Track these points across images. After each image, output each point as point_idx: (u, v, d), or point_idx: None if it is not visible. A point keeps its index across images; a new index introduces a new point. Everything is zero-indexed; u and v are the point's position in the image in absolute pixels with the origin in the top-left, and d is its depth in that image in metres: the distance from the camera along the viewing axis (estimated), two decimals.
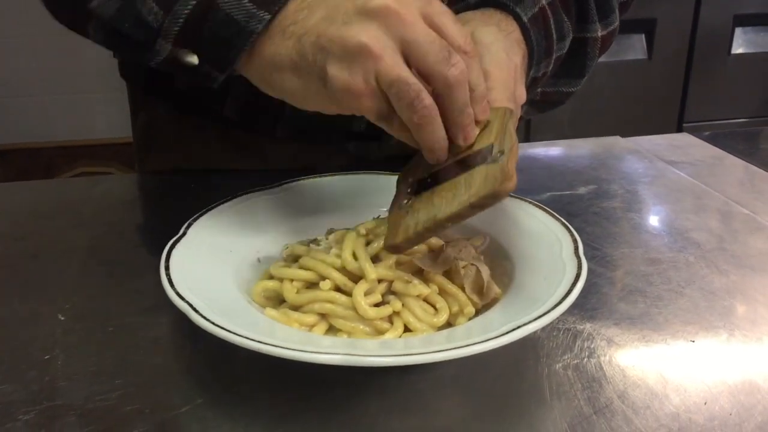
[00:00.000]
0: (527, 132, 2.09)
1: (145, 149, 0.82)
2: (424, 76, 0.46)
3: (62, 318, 0.55)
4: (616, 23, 0.72)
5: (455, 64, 0.46)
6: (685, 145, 0.94)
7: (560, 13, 0.65)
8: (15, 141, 2.26)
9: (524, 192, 0.62)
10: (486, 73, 0.52)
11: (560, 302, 0.45)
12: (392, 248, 0.50)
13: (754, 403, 0.45)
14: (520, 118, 0.79)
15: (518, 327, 0.43)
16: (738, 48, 2.29)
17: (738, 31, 2.27)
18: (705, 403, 0.46)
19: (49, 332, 0.53)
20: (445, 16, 0.47)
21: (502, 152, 0.48)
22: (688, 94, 2.30)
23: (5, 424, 0.44)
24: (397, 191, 0.54)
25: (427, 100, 0.46)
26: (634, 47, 2.23)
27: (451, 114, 0.48)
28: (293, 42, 0.48)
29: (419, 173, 0.52)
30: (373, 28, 0.45)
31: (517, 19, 0.60)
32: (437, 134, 0.48)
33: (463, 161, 0.49)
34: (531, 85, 0.63)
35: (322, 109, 0.50)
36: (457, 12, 0.55)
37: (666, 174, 0.83)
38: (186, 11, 0.51)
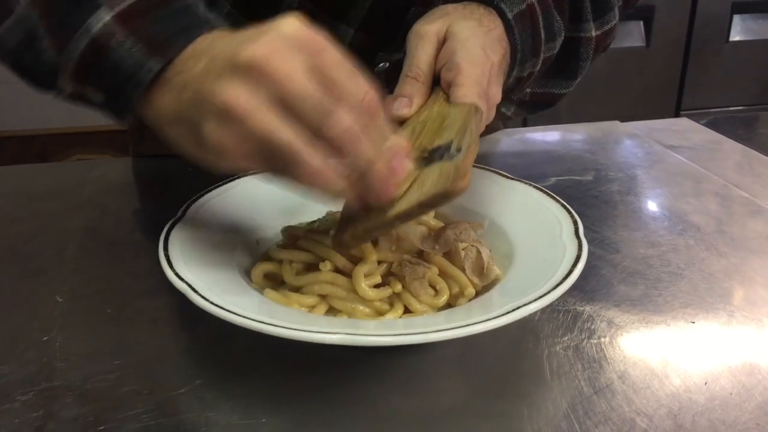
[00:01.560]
0: (525, 118, 2.09)
1: (138, 134, 0.81)
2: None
3: (60, 300, 0.55)
4: (614, 22, 0.69)
5: (338, 121, 0.40)
6: (683, 129, 0.94)
7: (551, 11, 0.62)
8: (7, 128, 2.25)
9: (522, 176, 0.62)
10: (458, 68, 0.51)
11: (561, 282, 0.45)
12: (338, 243, 0.48)
13: (754, 384, 0.45)
14: (508, 119, 0.78)
15: (519, 307, 0.43)
16: (736, 35, 2.29)
17: (736, 18, 2.27)
18: (705, 383, 0.46)
19: (47, 313, 0.53)
20: (337, 69, 0.41)
21: (459, 149, 0.45)
22: (686, 82, 2.30)
23: (3, 404, 0.44)
24: None
25: (312, 160, 0.40)
26: (632, 34, 2.23)
27: (350, 173, 0.42)
28: (175, 95, 0.44)
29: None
30: (240, 85, 0.40)
31: (502, 15, 0.57)
32: (333, 188, 0.42)
33: (421, 157, 0.47)
34: (516, 85, 0.61)
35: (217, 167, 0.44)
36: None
37: (665, 158, 0.83)
38: (78, 51, 0.46)
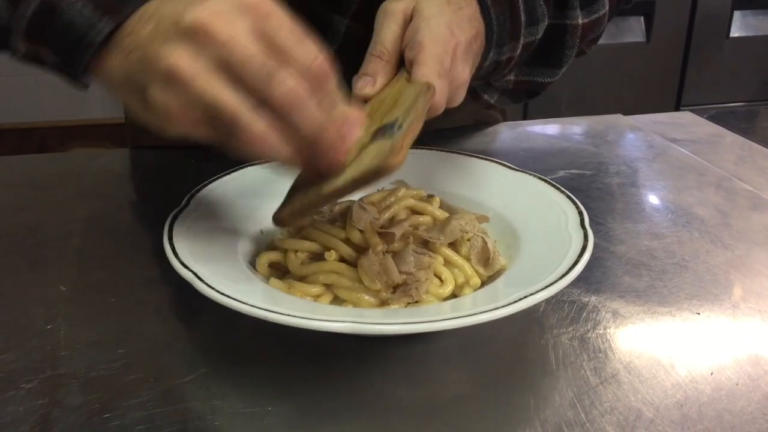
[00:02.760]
0: (525, 113, 2.08)
1: (137, 125, 0.81)
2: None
3: (64, 288, 0.54)
4: (603, 11, 0.67)
5: (281, 82, 0.39)
6: (686, 123, 0.93)
7: None
8: (7, 120, 2.24)
9: (526, 166, 0.62)
10: (419, 46, 0.50)
11: (567, 272, 0.45)
12: (277, 220, 0.48)
13: (760, 374, 0.45)
14: (492, 106, 0.77)
15: (525, 297, 0.43)
16: (736, 31, 2.29)
17: (737, 14, 2.27)
18: (711, 374, 0.46)
19: (51, 302, 0.53)
20: (284, 34, 0.41)
21: (400, 127, 0.45)
22: (686, 78, 2.30)
23: (8, 392, 0.44)
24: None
25: (255, 124, 0.40)
26: (633, 30, 2.23)
27: (296, 140, 0.41)
28: (123, 57, 0.43)
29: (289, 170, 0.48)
30: (184, 49, 0.39)
31: None
32: (278, 155, 0.42)
33: (370, 136, 0.46)
34: (495, 68, 0.60)
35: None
36: None
37: (668, 151, 0.83)
38: (30, 10, 0.45)
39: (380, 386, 0.45)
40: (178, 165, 0.76)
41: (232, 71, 0.40)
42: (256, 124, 0.40)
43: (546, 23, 0.63)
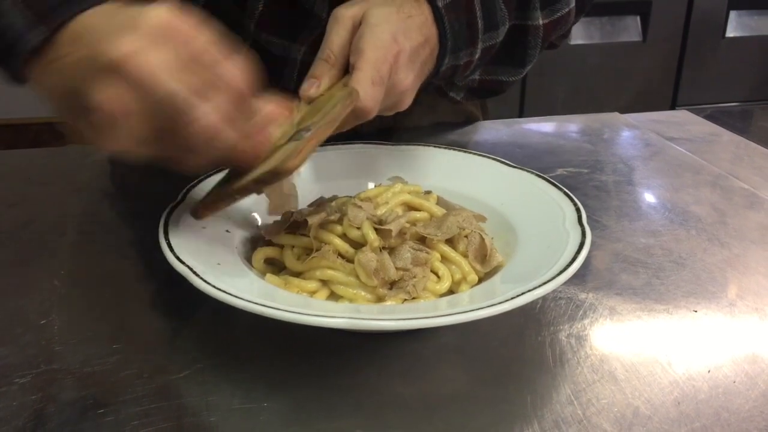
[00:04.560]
0: (521, 111, 2.08)
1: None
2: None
3: (57, 284, 0.54)
4: (566, 9, 0.68)
5: (194, 120, 0.41)
6: (682, 121, 0.93)
7: (494, 1, 0.62)
8: (1, 116, 2.23)
9: (524, 164, 0.61)
10: (360, 52, 0.51)
11: (565, 269, 0.45)
12: (193, 211, 0.50)
13: (758, 372, 0.45)
14: (457, 102, 0.78)
15: (522, 293, 0.43)
16: (732, 31, 2.29)
17: (732, 14, 2.27)
18: (708, 371, 0.46)
19: (45, 297, 0.52)
20: (205, 57, 0.42)
21: (308, 130, 0.46)
22: (682, 77, 2.30)
23: (1, 387, 0.43)
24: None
25: (191, 162, 0.44)
26: (629, 29, 2.23)
27: (217, 159, 0.45)
28: (53, 81, 0.43)
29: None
30: (108, 88, 0.40)
31: (432, 2, 0.57)
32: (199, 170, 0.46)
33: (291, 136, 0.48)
34: (454, 72, 0.61)
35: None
36: None
37: (664, 149, 0.83)
38: None
39: (376, 382, 0.44)
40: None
41: (156, 107, 0.41)
42: (187, 159, 0.44)
43: (507, 26, 0.64)
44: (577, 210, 0.53)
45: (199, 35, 0.42)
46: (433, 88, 0.60)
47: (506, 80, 0.70)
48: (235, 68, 0.43)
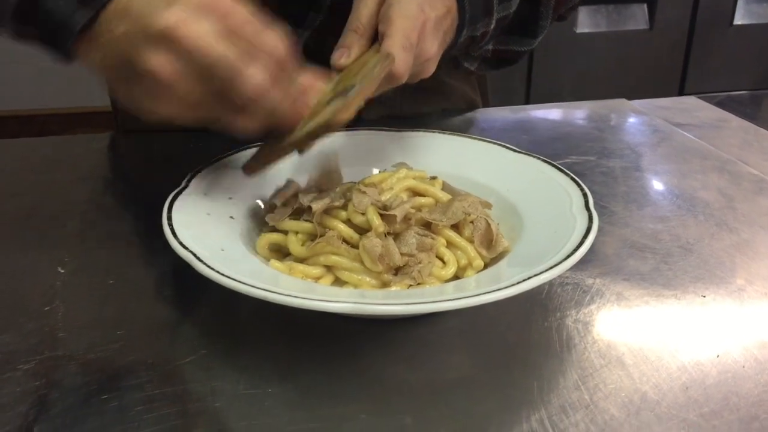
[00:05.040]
0: (527, 98, 2.07)
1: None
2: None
3: (62, 270, 0.54)
4: None
5: (247, 79, 0.44)
6: (690, 107, 0.93)
7: None
8: (7, 107, 2.23)
9: (530, 149, 0.61)
10: (389, 21, 0.53)
11: (572, 253, 0.45)
12: (245, 168, 0.54)
13: (767, 357, 0.45)
14: (472, 73, 0.79)
15: (528, 278, 0.42)
16: (740, 19, 2.27)
17: (740, 1, 2.25)
18: (717, 356, 0.45)
19: (49, 284, 0.52)
20: (247, 28, 0.45)
21: (353, 87, 0.48)
22: (690, 65, 2.29)
23: (5, 372, 0.43)
24: None
25: (241, 125, 0.47)
26: (636, 17, 2.21)
27: (260, 118, 0.47)
28: (102, 55, 0.46)
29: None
30: (158, 55, 0.43)
31: None
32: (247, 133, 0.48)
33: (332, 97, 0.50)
34: (471, 42, 0.64)
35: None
36: None
37: (673, 135, 0.82)
38: None
39: (382, 367, 0.44)
40: (178, 148, 0.76)
41: (204, 72, 0.44)
42: (237, 121, 0.46)
43: None
44: (584, 195, 0.52)
45: (239, 8, 0.45)
46: (448, 58, 0.62)
47: (519, 50, 0.73)
48: (275, 38, 0.46)
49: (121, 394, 0.41)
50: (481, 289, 0.42)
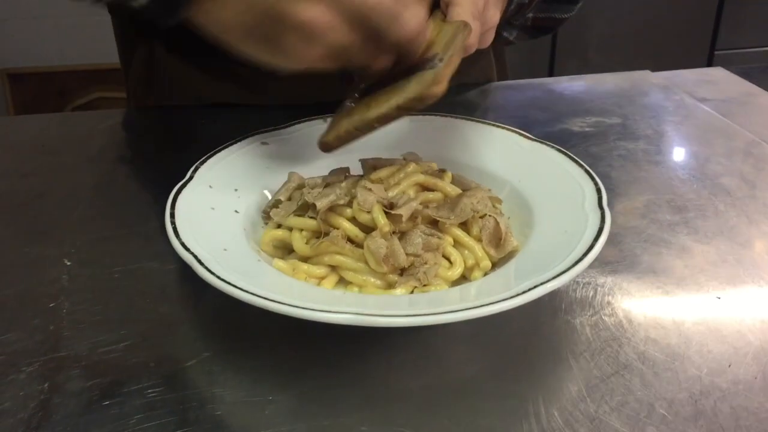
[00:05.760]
0: (551, 63, 2.01)
1: (145, 84, 0.79)
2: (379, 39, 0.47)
3: (68, 263, 0.54)
4: None
5: (405, 24, 0.46)
6: (717, 80, 0.89)
7: None
8: (27, 64, 2.22)
9: (546, 132, 0.59)
10: None
11: (580, 259, 0.43)
12: (323, 145, 0.52)
13: None
14: (508, 43, 0.77)
15: (535, 287, 0.41)
16: None
17: None
18: (729, 366, 0.44)
19: (55, 277, 0.52)
20: None
21: (441, 60, 0.48)
22: (722, 20, 2.21)
23: (9, 375, 0.43)
24: (346, 96, 0.54)
25: (379, 65, 0.49)
26: None
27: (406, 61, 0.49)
28: (241, 9, 0.46)
29: (368, 79, 0.53)
30: (314, 5, 0.44)
31: None
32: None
33: (408, 69, 0.50)
34: (518, 10, 0.64)
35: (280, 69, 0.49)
36: None
37: (696, 113, 0.79)
38: None
39: (384, 374, 0.44)
40: (187, 125, 0.75)
41: (362, 18, 0.45)
42: (379, 63, 0.49)
43: None
44: (598, 191, 0.51)
45: None
46: None
47: (559, 17, 0.72)
48: None
49: (123, 401, 0.41)
50: (485, 299, 0.41)
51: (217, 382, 0.43)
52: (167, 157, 0.70)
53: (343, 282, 0.48)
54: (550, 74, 1.96)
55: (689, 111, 0.80)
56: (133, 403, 0.41)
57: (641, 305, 0.49)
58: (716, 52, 2.24)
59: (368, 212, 0.48)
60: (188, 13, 0.47)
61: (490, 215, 0.49)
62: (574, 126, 0.75)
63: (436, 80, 0.47)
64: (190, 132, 0.74)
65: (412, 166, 0.52)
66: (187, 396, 0.42)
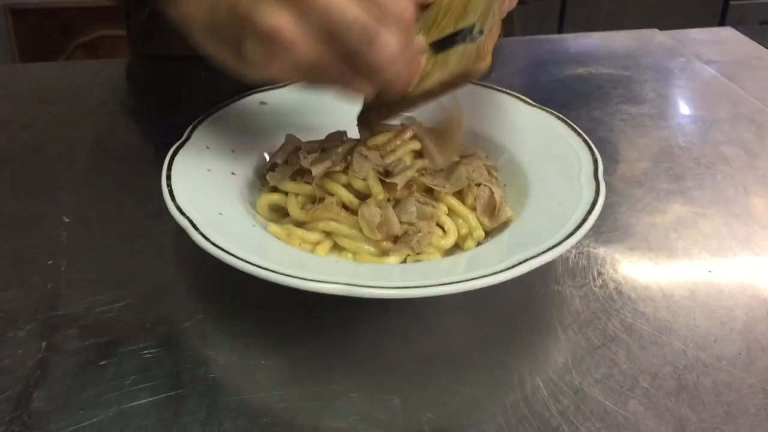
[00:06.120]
0: (561, 18, 1.97)
1: (146, 34, 0.78)
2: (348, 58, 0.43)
3: (67, 220, 0.54)
4: None
5: (383, 46, 0.42)
6: (726, 40, 0.88)
7: None
8: (29, 0, 2.19)
9: (548, 95, 0.58)
10: None
11: (572, 233, 0.43)
12: (364, 121, 0.51)
13: (764, 344, 0.44)
14: (525, 3, 0.75)
15: (525, 260, 0.42)
16: None
17: None
18: (714, 341, 0.45)
19: (54, 234, 0.53)
20: None
21: (481, 32, 0.47)
22: None
23: (8, 332, 0.44)
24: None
25: (359, 88, 0.44)
26: None
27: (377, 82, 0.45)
28: (207, 6, 0.44)
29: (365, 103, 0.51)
30: (285, 12, 0.40)
31: None
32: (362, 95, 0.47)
33: (444, 40, 0.48)
34: None
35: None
36: None
37: (702, 75, 0.79)
38: None
39: (375, 343, 0.44)
40: (187, 76, 0.74)
41: (334, 34, 0.41)
42: (353, 84, 0.44)
43: None
44: (595, 161, 0.51)
45: None
46: None
47: None
48: (404, 2, 0.43)
49: (119, 361, 0.42)
50: (476, 272, 0.41)
51: (210, 345, 0.44)
52: (167, 109, 0.70)
53: (337, 248, 0.49)
54: (560, 25, 1.92)
55: (695, 74, 0.79)
56: (129, 364, 0.42)
57: (632, 277, 0.49)
58: (731, 2, 2.19)
59: (363, 179, 0.48)
60: (158, 5, 0.45)
61: (485, 185, 0.49)
62: (576, 89, 0.74)
63: (481, 55, 0.45)
64: (191, 83, 0.74)
65: (409, 133, 0.52)
66: (181, 357, 0.43)
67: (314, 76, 0.44)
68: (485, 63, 0.45)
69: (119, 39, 2.24)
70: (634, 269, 0.50)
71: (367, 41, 0.41)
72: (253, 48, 0.42)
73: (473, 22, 0.47)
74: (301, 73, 0.43)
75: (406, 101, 0.48)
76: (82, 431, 0.38)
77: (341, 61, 0.42)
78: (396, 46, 0.42)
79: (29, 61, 2.04)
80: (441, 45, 0.48)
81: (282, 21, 0.40)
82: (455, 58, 0.46)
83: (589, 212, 0.45)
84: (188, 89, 0.73)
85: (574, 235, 0.43)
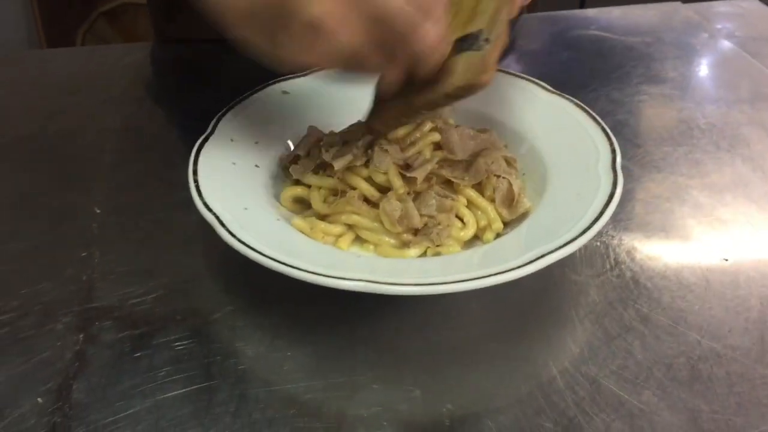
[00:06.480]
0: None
1: (165, 18, 0.79)
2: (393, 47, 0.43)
3: (98, 211, 0.56)
4: None
5: (424, 36, 0.42)
6: (752, 13, 0.87)
7: None
8: None
9: (570, 69, 0.58)
10: None
11: (588, 227, 0.44)
12: (370, 129, 0.51)
13: None
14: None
15: (543, 255, 0.43)
16: None
17: None
18: (729, 331, 0.46)
19: (86, 225, 0.54)
20: None
21: (487, 41, 0.47)
22: None
23: (47, 324, 0.46)
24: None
25: (389, 77, 0.45)
26: None
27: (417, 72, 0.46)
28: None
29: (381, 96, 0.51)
30: (327, 2, 0.41)
31: None
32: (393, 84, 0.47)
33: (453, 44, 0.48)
34: None
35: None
36: None
37: (725, 53, 0.78)
38: None
39: (395, 335, 0.46)
40: (210, 60, 0.75)
41: (379, 22, 0.41)
42: (391, 73, 0.45)
43: None
44: (613, 151, 0.51)
45: None
46: None
47: None
48: None
49: (152, 353, 0.44)
50: (494, 268, 0.42)
51: (239, 337, 0.45)
52: (191, 94, 0.71)
53: (359, 240, 0.50)
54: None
55: (717, 51, 0.78)
56: (162, 356, 0.44)
57: (649, 266, 0.50)
58: None
59: (384, 173, 0.49)
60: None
61: (504, 177, 0.50)
62: (597, 67, 0.74)
63: (485, 68, 0.45)
64: (214, 68, 0.75)
65: (428, 126, 0.53)
66: (212, 349, 0.45)
67: (352, 65, 0.44)
68: (488, 76, 0.45)
69: (141, 7, 2.23)
70: (650, 258, 0.51)
71: (411, 30, 0.42)
72: (294, 35, 0.42)
73: (481, 28, 0.47)
74: (340, 61, 0.43)
75: (410, 110, 0.49)
76: (120, 422, 0.40)
77: (383, 48, 0.43)
78: (435, 36, 0.43)
79: (51, 29, 2.05)
80: (452, 49, 0.47)
81: (326, 8, 0.41)
82: (460, 67, 0.46)
83: (607, 205, 0.46)
84: (211, 73, 0.74)
85: (591, 229, 0.44)
